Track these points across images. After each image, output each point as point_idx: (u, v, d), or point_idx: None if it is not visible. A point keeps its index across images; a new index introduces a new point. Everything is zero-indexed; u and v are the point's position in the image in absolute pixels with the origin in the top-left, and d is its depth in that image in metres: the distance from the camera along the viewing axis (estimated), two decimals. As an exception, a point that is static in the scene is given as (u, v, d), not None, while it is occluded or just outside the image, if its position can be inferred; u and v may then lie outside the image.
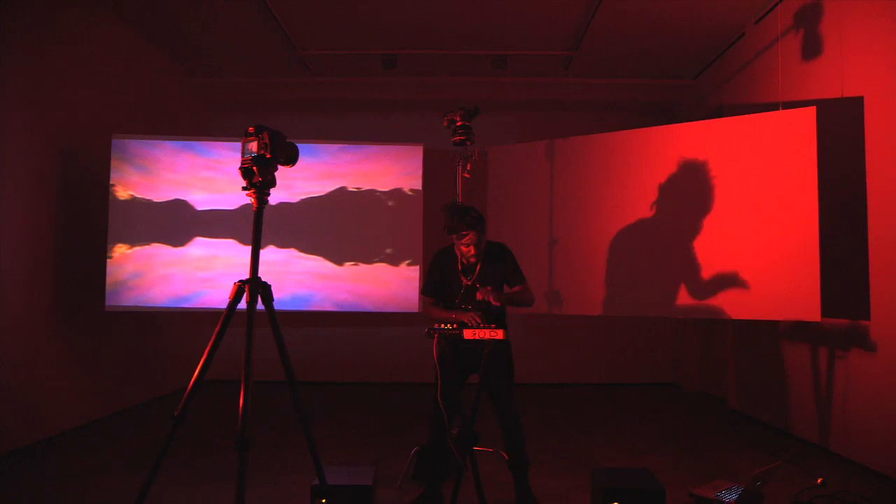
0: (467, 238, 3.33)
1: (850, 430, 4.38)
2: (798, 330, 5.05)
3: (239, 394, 1.89)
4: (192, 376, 4.67)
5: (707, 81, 6.98)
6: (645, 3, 5.47)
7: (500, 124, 7.54)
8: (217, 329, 2.00)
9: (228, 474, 3.93)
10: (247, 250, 5.50)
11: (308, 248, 5.72)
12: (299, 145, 5.07)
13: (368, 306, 5.77)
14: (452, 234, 3.38)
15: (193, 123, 7.41)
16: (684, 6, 5.52)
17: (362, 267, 5.75)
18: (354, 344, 7.56)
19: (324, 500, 2.67)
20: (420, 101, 7.57)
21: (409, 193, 5.81)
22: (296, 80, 7.31)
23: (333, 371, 7.46)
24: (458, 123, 3.57)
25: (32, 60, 4.67)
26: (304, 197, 5.73)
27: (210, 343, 2.01)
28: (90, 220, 5.44)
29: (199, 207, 5.62)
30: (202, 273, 5.56)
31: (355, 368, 7.55)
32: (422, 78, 7.31)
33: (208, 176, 5.64)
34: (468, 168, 4.11)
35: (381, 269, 5.76)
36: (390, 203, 5.82)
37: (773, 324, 5.33)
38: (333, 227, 5.75)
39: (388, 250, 5.78)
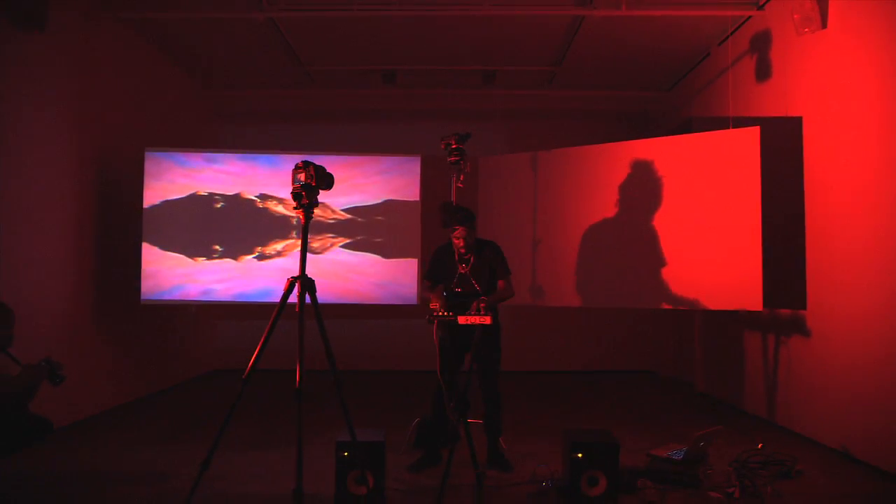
0: (458, 232, 3.99)
1: (791, 405, 5.08)
2: (752, 320, 5.73)
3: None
4: (210, 365, 5.25)
5: (679, 94, 7.64)
6: (621, 25, 6.07)
7: (490, 132, 8.17)
8: (273, 315, 2.64)
9: (260, 443, 4.57)
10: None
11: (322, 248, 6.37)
12: (313, 157, 5.73)
13: (369, 299, 6.42)
14: (447, 228, 4.04)
15: (209, 133, 8.05)
16: (657, 28, 6.14)
17: (366, 263, 6.39)
18: (356, 334, 8.14)
19: (346, 454, 3.32)
20: (417, 111, 8.24)
21: (409, 200, 6.43)
22: (303, 93, 7.94)
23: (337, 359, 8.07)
24: (454, 146, 4.23)
25: (74, 83, 5.27)
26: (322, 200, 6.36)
27: (268, 326, 2.64)
28: (126, 225, 6.09)
29: (220, 213, 6.27)
30: (224, 270, 6.21)
31: (356, 357, 8.14)
32: (418, 90, 7.94)
33: (224, 184, 6.28)
34: (461, 179, 4.74)
35: (383, 265, 6.39)
36: (393, 208, 6.45)
37: (733, 315, 5.99)
38: (345, 230, 6.40)
39: (391, 249, 6.42)
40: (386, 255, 6.41)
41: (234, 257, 6.26)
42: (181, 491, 3.55)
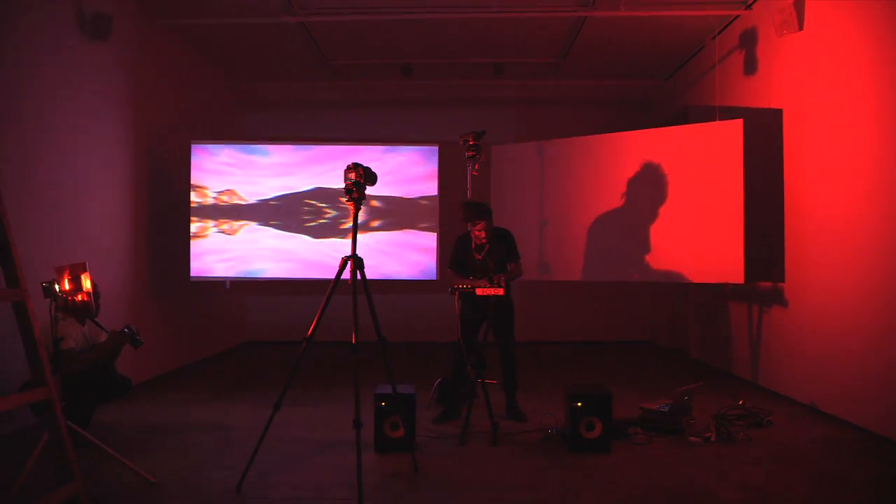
0: (479, 226, 4.59)
1: (771, 367, 5.70)
2: (739, 293, 6.33)
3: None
4: (243, 337, 5.93)
5: (677, 83, 8.16)
6: (621, 22, 6.57)
7: (500, 118, 8.75)
8: (330, 289, 3.27)
9: (309, 402, 5.23)
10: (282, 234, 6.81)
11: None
12: (344, 147, 6.41)
13: (394, 275, 7.10)
14: (468, 223, 4.63)
15: (241, 123, 8.73)
16: (655, 24, 6.63)
17: (392, 241, 7.04)
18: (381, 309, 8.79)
19: (383, 403, 3.96)
20: (432, 101, 8.83)
21: (428, 184, 7.07)
22: (327, 84, 8.53)
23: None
24: (471, 143, 4.81)
25: (129, 84, 5.88)
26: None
27: (325, 298, 3.27)
28: (175, 210, 6.78)
29: (250, 199, 6.92)
30: (249, 249, 6.89)
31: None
32: (434, 81, 8.50)
33: (259, 172, 6.92)
34: (476, 167, 5.33)
35: (405, 239, 7.06)
36: (414, 190, 7.09)
37: (722, 288, 6.59)
38: (374, 211, 7.07)
39: (413, 227, 7.09)
40: (408, 232, 7.09)
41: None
42: (241, 437, 4.24)
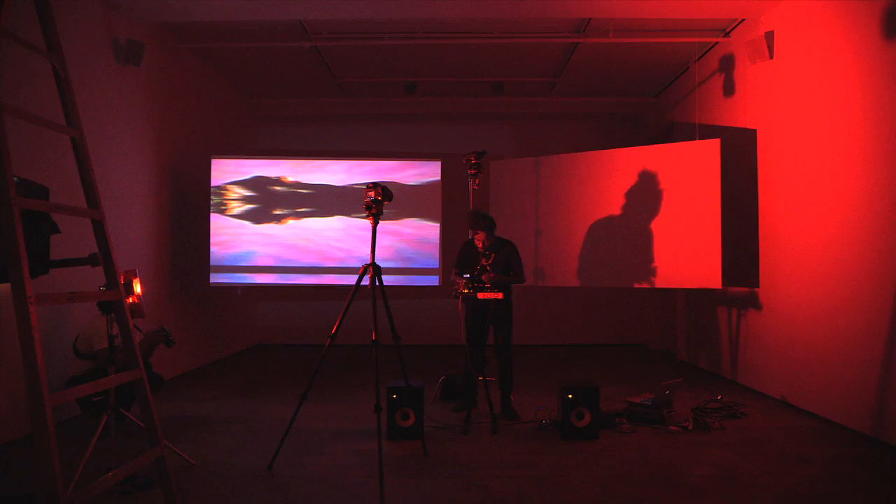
0: (480, 235, 5.05)
1: (748, 366, 6.18)
2: (720, 298, 6.81)
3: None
4: (254, 340, 6.41)
5: (665, 100, 8.67)
6: (612, 46, 7.09)
7: (499, 133, 9.28)
8: (350, 295, 3.74)
9: (322, 399, 5.68)
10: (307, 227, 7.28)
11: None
12: (357, 162, 6.89)
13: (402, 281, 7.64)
14: (471, 230, 5.11)
15: (255, 137, 9.22)
16: (643, 48, 7.15)
17: (401, 247, 7.52)
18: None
19: (395, 396, 4.42)
20: (434, 115, 9.33)
21: (432, 194, 7.57)
22: (335, 101, 9.02)
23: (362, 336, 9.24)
24: (473, 161, 5.29)
25: (155, 104, 6.36)
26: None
27: (347, 302, 3.74)
28: (196, 218, 7.24)
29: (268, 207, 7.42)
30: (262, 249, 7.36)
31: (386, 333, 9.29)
32: (436, 98, 9.00)
33: (273, 184, 7.40)
34: (476, 182, 5.81)
35: (411, 240, 7.54)
36: (417, 199, 7.58)
37: (709, 294, 7.07)
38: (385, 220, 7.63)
39: (417, 231, 7.58)
40: (413, 236, 7.58)
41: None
42: (265, 428, 4.69)
